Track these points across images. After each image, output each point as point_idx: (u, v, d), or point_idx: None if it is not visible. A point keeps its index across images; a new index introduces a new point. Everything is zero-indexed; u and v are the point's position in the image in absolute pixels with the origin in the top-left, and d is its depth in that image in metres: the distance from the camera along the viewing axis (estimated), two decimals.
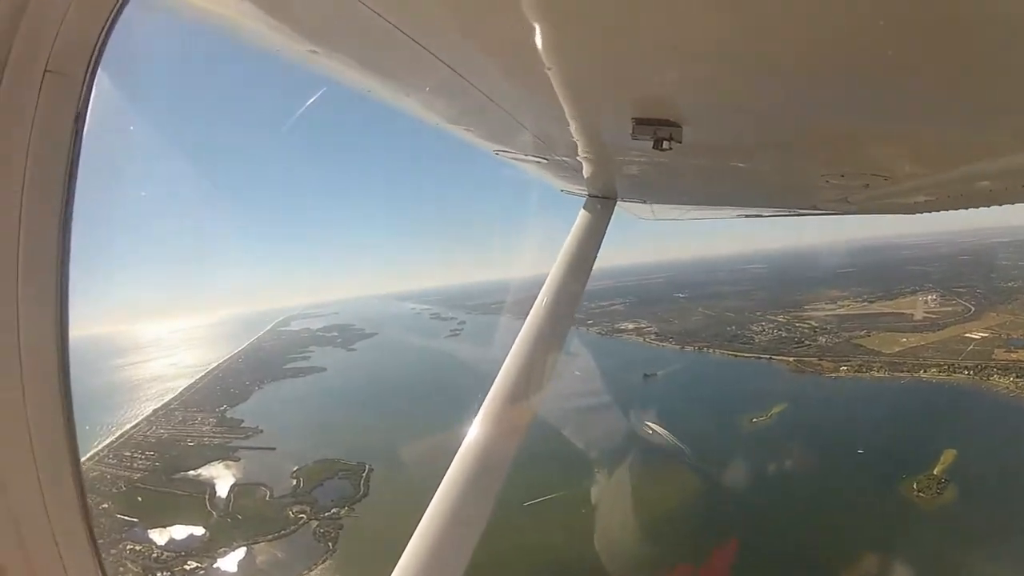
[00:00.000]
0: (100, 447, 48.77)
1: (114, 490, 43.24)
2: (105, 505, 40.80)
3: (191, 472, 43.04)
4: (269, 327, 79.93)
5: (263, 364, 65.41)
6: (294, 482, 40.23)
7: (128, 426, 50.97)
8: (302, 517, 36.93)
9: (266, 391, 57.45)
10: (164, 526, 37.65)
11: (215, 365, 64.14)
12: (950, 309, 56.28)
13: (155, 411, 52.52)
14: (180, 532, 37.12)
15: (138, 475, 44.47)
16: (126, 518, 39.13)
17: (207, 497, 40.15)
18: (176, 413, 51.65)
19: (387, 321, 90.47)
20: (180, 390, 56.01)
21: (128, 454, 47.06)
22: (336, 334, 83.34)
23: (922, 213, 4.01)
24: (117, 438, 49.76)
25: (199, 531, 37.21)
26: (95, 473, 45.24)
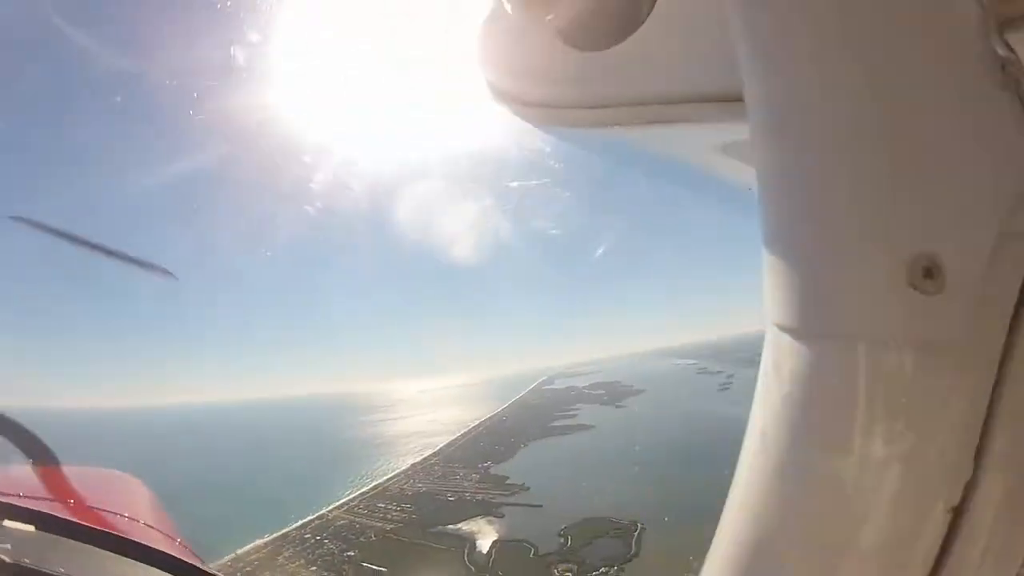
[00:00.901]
0: (351, 497, 49.32)
1: (362, 539, 43.03)
2: (351, 553, 41.05)
3: (450, 526, 42.90)
4: (533, 386, 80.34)
5: (528, 422, 64.60)
6: (562, 540, 38.38)
7: (383, 478, 51.51)
8: (568, 575, 35.14)
9: (532, 449, 56.43)
10: None
11: (478, 422, 64.30)
12: None
13: (413, 465, 52.86)
14: None
15: (391, 526, 44.80)
16: (373, 567, 38.98)
17: (466, 552, 39.28)
18: (436, 468, 51.64)
19: (654, 377, 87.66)
20: (440, 446, 56.18)
21: (382, 505, 47.59)
22: (603, 392, 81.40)
23: None
24: (370, 489, 50.72)
25: None
26: (342, 521, 45.35)
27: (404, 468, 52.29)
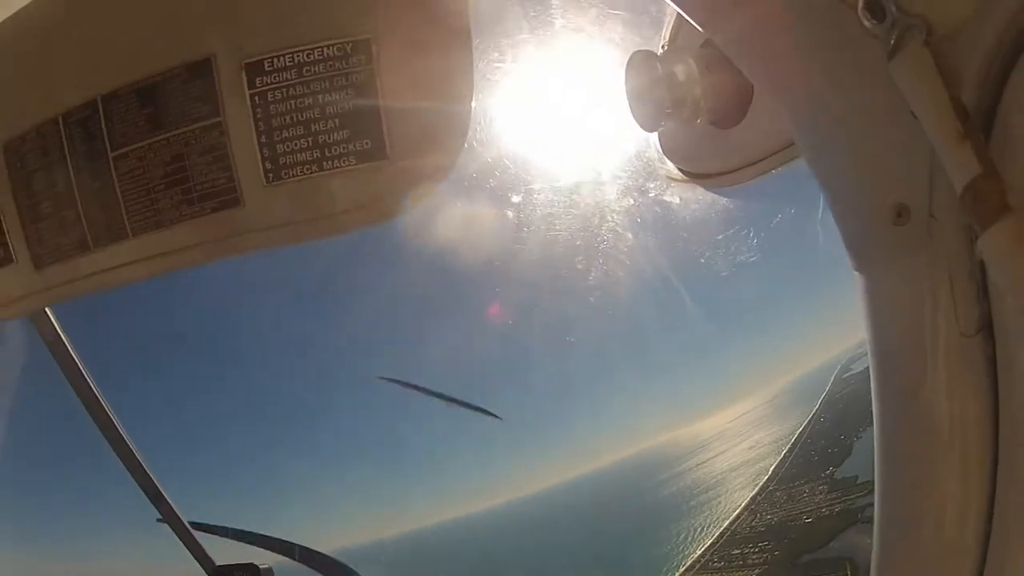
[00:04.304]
0: (701, 552, 45.12)
1: None
2: None
3: (819, 551, 37.34)
4: (832, 378, 73.74)
5: (847, 414, 55.19)
6: None
7: (726, 522, 46.94)
8: None
9: (867, 439, 47.42)
10: None
11: (797, 433, 58.57)
12: None
13: (753, 498, 48.16)
14: None
15: (757, 572, 40.30)
16: None
17: (850, 573, 33.72)
18: (777, 493, 46.46)
19: None
20: (771, 469, 51.26)
21: (737, 552, 43.21)
22: None
23: None
24: (717, 538, 45.60)
25: None
26: None
27: (745, 504, 48.13)
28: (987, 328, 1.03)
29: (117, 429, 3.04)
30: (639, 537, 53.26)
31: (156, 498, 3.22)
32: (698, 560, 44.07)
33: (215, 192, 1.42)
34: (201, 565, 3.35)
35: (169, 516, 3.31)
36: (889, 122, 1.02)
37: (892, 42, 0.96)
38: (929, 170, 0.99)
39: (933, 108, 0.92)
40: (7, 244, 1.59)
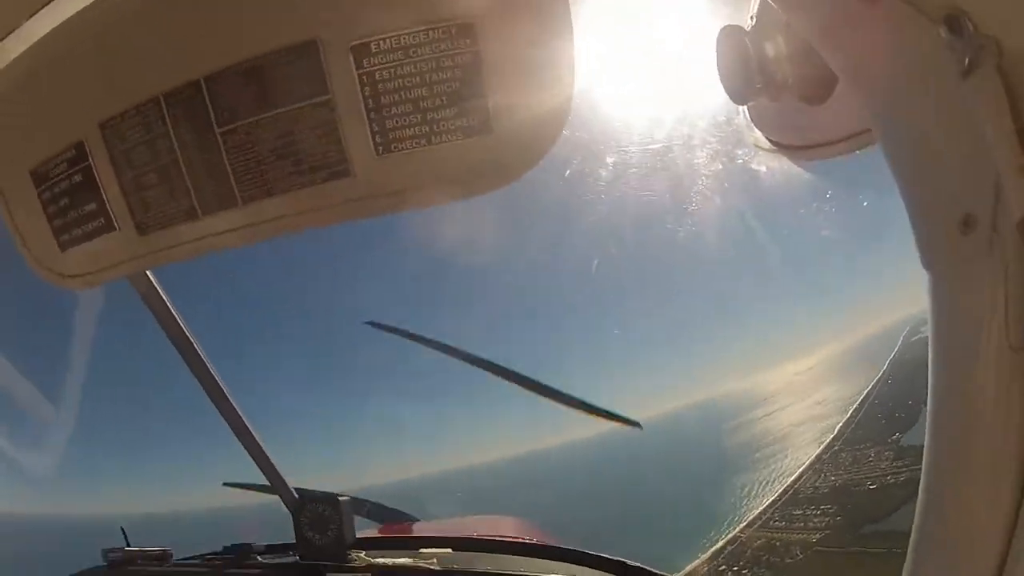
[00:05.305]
0: (762, 509, 42.67)
1: (788, 560, 36.66)
2: None
3: (882, 520, 33.90)
4: (900, 341, 69.19)
5: (915, 379, 50.62)
6: None
7: (790, 479, 44.05)
8: None
9: None
10: None
11: (865, 393, 54.79)
12: None
13: (818, 456, 44.98)
14: None
15: (816, 536, 36.99)
16: None
17: None
18: (843, 454, 43.06)
19: None
20: (837, 428, 47.85)
21: (798, 512, 40.07)
22: None
23: None
24: (780, 495, 42.81)
25: None
26: (760, 541, 38.91)
27: (809, 462, 45.02)
28: None
29: (209, 371, 2.98)
30: (698, 492, 51.27)
31: (239, 430, 3.20)
32: (759, 516, 41.69)
33: (326, 164, 1.45)
34: (281, 497, 3.37)
35: (252, 448, 3.29)
36: (962, 132, 1.00)
37: (967, 61, 0.96)
38: (996, 186, 0.96)
39: (997, 137, 0.94)
40: (108, 213, 1.57)
